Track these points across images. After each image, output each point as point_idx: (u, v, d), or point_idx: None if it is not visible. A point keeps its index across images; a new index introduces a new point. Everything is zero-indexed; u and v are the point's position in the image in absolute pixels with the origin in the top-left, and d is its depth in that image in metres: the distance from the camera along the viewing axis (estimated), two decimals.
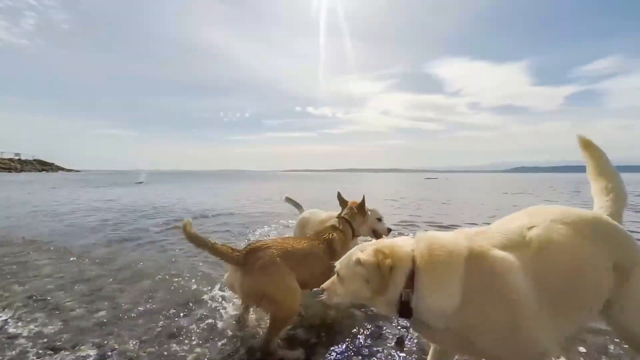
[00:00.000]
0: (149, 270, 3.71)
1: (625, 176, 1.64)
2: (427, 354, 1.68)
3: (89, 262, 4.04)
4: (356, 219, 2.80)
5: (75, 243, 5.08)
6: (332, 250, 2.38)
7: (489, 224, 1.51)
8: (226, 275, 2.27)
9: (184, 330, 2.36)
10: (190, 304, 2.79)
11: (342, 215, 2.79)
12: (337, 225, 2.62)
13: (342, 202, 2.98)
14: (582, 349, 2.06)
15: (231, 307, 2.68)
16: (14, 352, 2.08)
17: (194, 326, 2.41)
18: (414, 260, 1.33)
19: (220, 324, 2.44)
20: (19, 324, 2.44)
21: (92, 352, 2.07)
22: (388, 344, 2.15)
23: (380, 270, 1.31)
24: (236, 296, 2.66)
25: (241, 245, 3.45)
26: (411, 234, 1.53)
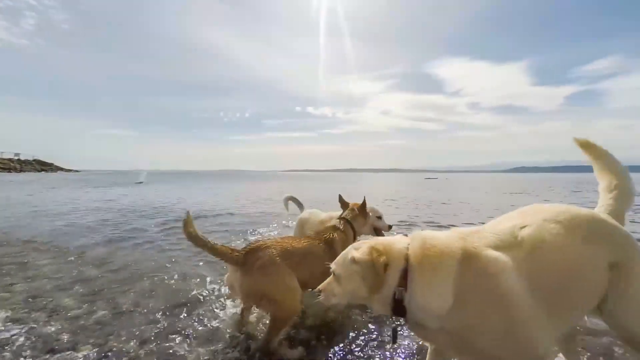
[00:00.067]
0: (149, 270, 3.71)
1: None
2: (426, 354, 1.68)
3: (88, 262, 4.04)
4: (358, 220, 2.80)
5: (75, 243, 5.08)
6: (333, 251, 2.38)
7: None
8: (226, 275, 2.27)
9: (184, 330, 2.36)
10: (190, 304, 2.79)
11: (343, 216, 2.79)
12: (338, 225, 2.63)
13: (343, 204, 2.98)
14: (585, 351, 2.05)
15: (231, 307, 2.69)
16: (13, 352, 2.08)
17: (194, 326, 2.42)
18: (407, 259, 1.33)
19: (220, 324, 2.44)
20: (19, 324, 2.44)
21: (92, 352, 2.07)
22: (387, 345, 2.15)
23: (375, 268, 1.31)
24: (236, 296, 2.66)
25: (241, 245, 3.46)
26: (408, 234, 1.53)
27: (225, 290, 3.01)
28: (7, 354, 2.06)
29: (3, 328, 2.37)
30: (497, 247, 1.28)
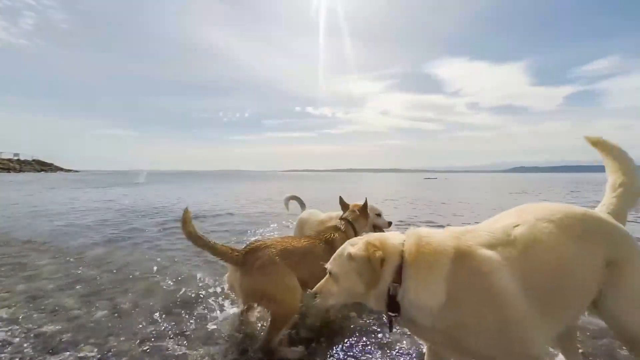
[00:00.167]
0: (148, 271, 3.71)
1: None
2: (425, 354, 1.68)
3: (88, 263, 4.04)
4: (359, 221, 2.81)
5: (75, 243, 5.08)
6: (334, 251, 2.38)
7: None
8: (226, 275, 2.27)
9: (184, 330, 2.36)
10: (190, 304, 2.79)
11: (344, 216, 2.80)
12: (340, 226, 2.63)
13: (344, 205, 2.99)
14: (585, 351, 2.05)
15: (230, 308, 2.69)
16: (14, 352, 2.08)
17: (194, 326, 2.42)
18: (402, 255, 1.33)
19: (219, 324, 2.44)
20: (19, 324, 2.44)
21: (92, 352, 2.08)
22: (387, 346, 2.16)
23: (371, 263, 1.31)
24: (237, 296, 2.67)
25: (241, 245, 3.46)
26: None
27: (224, 290, 3.01)
28: (7, 354, 2.06)
29: (3, 328, 2.37)
30: (490, 246, 1.28)
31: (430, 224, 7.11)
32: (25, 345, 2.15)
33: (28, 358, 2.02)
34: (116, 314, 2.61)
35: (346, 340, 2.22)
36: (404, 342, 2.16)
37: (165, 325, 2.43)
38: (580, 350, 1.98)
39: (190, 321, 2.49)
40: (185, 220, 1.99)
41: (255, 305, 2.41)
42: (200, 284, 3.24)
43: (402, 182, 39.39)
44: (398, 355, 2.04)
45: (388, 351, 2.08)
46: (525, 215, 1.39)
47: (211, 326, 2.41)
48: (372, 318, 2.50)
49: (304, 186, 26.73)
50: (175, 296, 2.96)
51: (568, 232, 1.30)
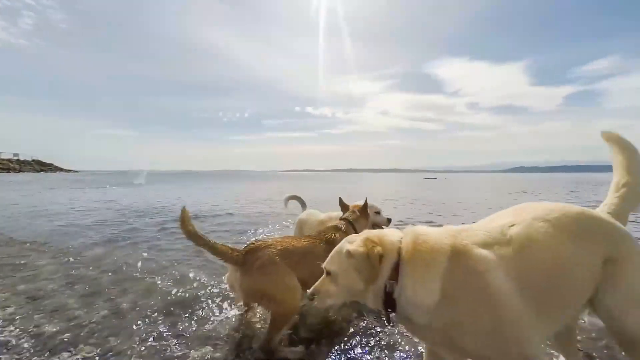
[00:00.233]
0: (148, 271, 3.71)
1: None
2: (423, 355, 1.68)
3: (87, 263, 4.04)
4: (359, 222, 2.81)
5: (74, 243, 5.08)
6: None
7: None
8: (226, 274, 2.27)
9: (184, 330, 2.36)
10: (189, 304, 2.79)
11: (345, 217, 2.81)
12: (340, 226, 2.63)
13: (344, 206, 2.99)
14: (585, 352, 2.05)
15: (229, 308, 2.69)
16: (14, 352, 2.08)
17: (194, 326, 2.42)
18: (399, 252, 1.34)
19: (219, 324, 2.44)
20: (19, 324, 2.44)
21: (92, 352, 2.08)
22: (387, 347, 2.16)
23: (370, 259, 1.31)
24: (237, 295, 2.67)
25: (240, 245, 3.45)
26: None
27: (223, 290, 3.01)
28: (7, 354, 2.06)
29: (3, 328, 2.37)
30: (486, 245, 1.28)
31: (429, 224, 7.11)
32: (25, 345, 2.15)
33: (28, 358, 2.02)
34: (116, 314, 2.61)
35: (346, 340, 2.22)
36: (405, 342, 2.16)
37: (165, 325, 2.43)
38: (580, 351, 1.99)
39: (190, 321, 2.49)
40: (184, 219, 1.99)
41: (256, 305, 2.41)
42: (200, 284, 3.24)
43: (402, 182, 39.40)
44: (398, 356, 2.04)
45: (388, 352, 2.07)
46: (521, 214, 1.38)
47: (211, 326, 2.41)
48: (373, 319, 2.50)
49: (304, 186, 26.73)
50: (175, 296, 2.96)
51: (564, 232, 1.30)
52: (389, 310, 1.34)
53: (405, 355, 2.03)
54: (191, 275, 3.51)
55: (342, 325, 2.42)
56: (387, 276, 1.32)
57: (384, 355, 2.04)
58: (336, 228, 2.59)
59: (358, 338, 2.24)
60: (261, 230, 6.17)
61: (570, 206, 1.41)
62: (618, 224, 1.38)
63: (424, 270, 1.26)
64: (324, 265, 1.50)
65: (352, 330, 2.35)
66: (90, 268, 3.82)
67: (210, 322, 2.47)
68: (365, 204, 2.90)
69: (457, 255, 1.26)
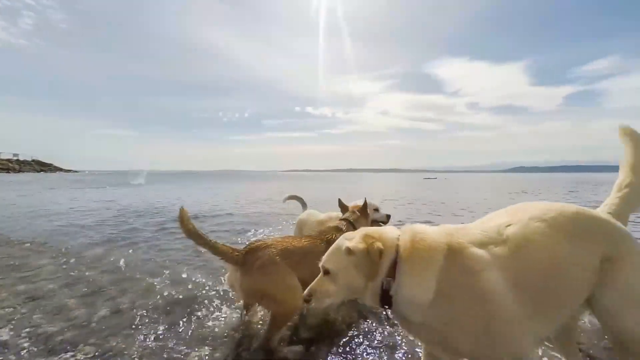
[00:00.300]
0: (147, 271, 3.71)
1: None
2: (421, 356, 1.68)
3: (88, 263, 4.03)
4: (360, 222, 2.82)
5: (74, 243, 5.08)
6: None
7: None
8: (227, 274, 2.27)
9: (184, 329, 2.36)
10: (189, 304, 2.79)
11: (345, 217, 2.81)
12: (341, 226, 2.64)
13: (343, 207, 2.99)
14: (586, 353, 2.04)
15: (231, 307, 2.69)
16: (14, 352, 2.08)
17: (194, 326, 2.42)
18: (397, 250, 1.34)
19: (218, 324, 2.44)
20: (19, 324, 2.44)
21: (93, 352, 2.07)
22: (388, 348, 2.16)
23: (370, 255, 1.31)
24: (236, 295, 2.67)
25: (240, 245, 3.45)
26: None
27: (223, 290, 3.01)
28: (7, 354, 2.06)
29: (3, 328, 2.37)
30: (481, 245, 1.28)
31: (429, 224, 7.10)
32: (25, 345, 2.15)
33: (28, 358, 2.02)
34: (116, 314, 2.61)
35: (347, 341, 2.21)
36: (405, 344, 2.16)
37: (164, 325, 2.43)
38: (580, 351, 1.98)
39: (190, 321, 2.49)
40: (183, 218, 1.99)
41: (256, 305, 2.41)
42: (200, 284, 3.23)
43: (402, 182, 39.40)
44: (399, 357, 2.04)
45: (389, 353, 2.07)
46: (518, 214, 1.38)
47: (211, 326, 2.41)
48: (374, 319, 2.50)
49: (304, 186, 26.74)
50: (175, 296, 2.96)
51: (561, 231, 1.29)
52: (385, 307, 1.34)
53: (405, 357, 2.03)
54: (191, 275, 3.51)
55: (342, 326, 2.42)
56: (385, 273, 1.32)
57: (384, 356, 2.04)
58: (337, 228, 2.59)
59: (358, 339, 2.24)
60: (261, 231, 6.16)
61: (567, 205, 1.40)
62: (617, 223, 1.37)
63: (421, 268, 1.26)
64: (321, 264, 1.47)
65: (352, 330, 2.35)
66: (90, 268, 3.81)
67: (209, 322, 2.47)
68: (365, 204, 2.91)
69: (453, 254, 1.26)
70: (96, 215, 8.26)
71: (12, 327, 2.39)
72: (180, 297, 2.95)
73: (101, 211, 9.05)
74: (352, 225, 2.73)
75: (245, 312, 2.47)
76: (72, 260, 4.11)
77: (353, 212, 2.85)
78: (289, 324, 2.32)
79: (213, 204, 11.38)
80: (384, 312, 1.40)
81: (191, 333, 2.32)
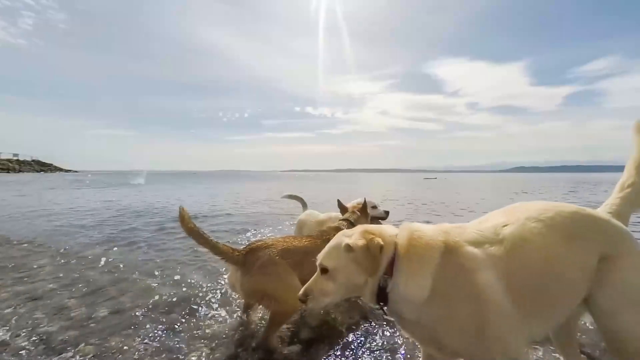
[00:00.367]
0: (148, 270, 3.71)
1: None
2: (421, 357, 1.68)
3: (87, 263, 4.03)
4: (360, 222, 2.82)
5: (74, 243, 5.07)
6: None
7: None
8: (227, 274, 2.28)
9: (184, 329, 2.36)
10: (189, 304, 2.78)
11: (346, 218, 2.81)
12: (342, 227, 2.64)
13: (342, 208, 2.99)
14: (588, 352, 2.03)
15: (231, 307, 2.69)
16: (14, 352, 2.08)
17: (194, 325, 2.42)
18: (395, 247, 1.34)
19: (220, 324, 2.44)
20: (19, 324, 2.44)
21: (93, 352, 2.07)
22: (389, 349, 2.16)
23: (371, 250, 1.30)
24: (237, 295, 2.67)
25: (240, 245, 3.45)
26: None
27: (223, 290, 3.01)
28: (8, 354, 2.06)
29: (3, 328, 2.37)
30: (477, 244, 1.28)
31: (428, 224, 7.10)
32: (25, 345, 2.15)
33: (28, 358, 2.02)
34: (116, 314, 2.61)
35: (347, 341, 2.21)
36: (406, 345, 2.16)
37: (164, 325, 2.43)
38: (581, 353, 1.98)
39: (190, 321, 2.49)
40: (184, 217, 2.00)
41: (256, 305, 2.41)
42: (199, 284, 3.23)
43: (402, 182, 39.41)
44: (399, 358, 2.04)
45: (389, 354, 2.07)
46: (515, 214, 1.38)
47: (210, 326, 2.41)
48: (374, 320, 2.50)
49: (304, 186, 26.73)
50: (174, 296, 2.96)
51: (558, 231, 1.29)
52: (381, 304, 1.34)
53: (405, 358, 2.03)
54: (190, 275, 3.51)
55: (342, 326, 2.42)
56: (382, 270, 1.32)
57: (384, 354, 2.04)
58: (337, 229, 2.60)
59: (358, 339, 2.24)
60: (261, 231, 6.16)
61: (565, 205, 1.39)
62: (616, 222, 1.36)
63: (418, 266, 1.27)
64: (318, 262, 1.43)
65: (352, 331, 2.35)
66: (90, 268, 3.81)
67: (209, 322, 2.47)
68: (365, 205, 2.91)
69: (449, 252, 1.26)
70: (96, 215, 8.25)
71: (12, 327, 2.39)
72: (180, 296, 2.94)
73: (101, 211, 9.04)
74: (353, 226, 2.73)
75: (245, 312, 2.47)
76: (72, 261, 4.11)
77: (353, 212, 2.86)
78: (289, 324, 2.32)
79: (213, 204, 11.38)
80: (381, 310, 1.39)
81: (191, 333, 2.32)
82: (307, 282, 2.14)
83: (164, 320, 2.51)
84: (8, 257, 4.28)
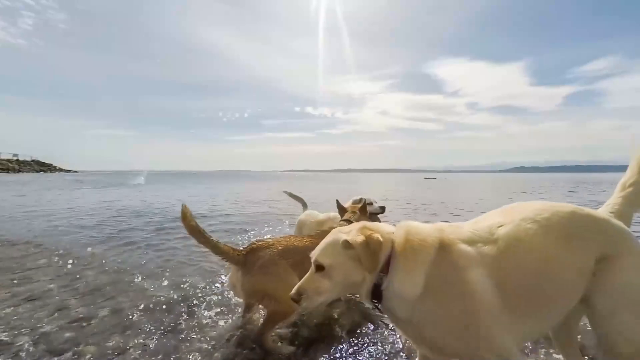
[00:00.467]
0: (147, 271, 3.71)
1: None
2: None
3: (87, 263, 4.03)
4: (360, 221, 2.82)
5: (74, 244, 5.07)
6: None
7: None
8: (228, 274, 2.28)
9: (184, 329, 2.36)
10: (190, 304, 2.79)
11: (346, 218, 2.81)
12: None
13: (341, 209, 3.00)
14: (588, 352, 2.02)
15: (231, 307, 2.69)
16: (14, 352, 2.07)
17: (193, 325, 2.42)
18: (392, 245, 1.34)
19: (220, 323, 2.44)
20: (19, 324, 2.43)
21: (93, 352, 2.07)
22: (390, 352, 2.16)
23: (370, 246, 1.29)
24: (237, 295, 2.66)
25: (240, 245, 3.44)
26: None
27: (223, 290, 3.01)
28: (8, 354, 2.06)
29: (3, 328, 2.37)
30: (470, 242, 1.28)
31: (428, 224, 7.11)
32: (25, 345, 2.15)
33: (28, 358, 2.02)
34: (116, 314, 2.61)
35: (347, 342, 2.21)
36: (405, 347, 2.15)
37: (164, 324, 2.43)
38: (582, 355, 1.97)
39: (189, 321, 2.49)
40: (186, 215, 2.00)
41: (257, 305, 2.41)
42: (199, 284, 3.23)
43: (402, 182, 39.41)
44: (398, 356, 2.04)
45: (390, 354, 2.07)
46: (512, 214, 1.37)
47: (210, 326, 2.41)
48: (374, 321, 2.50)
49: (304, 186, 26.72)
50: (174, 296, 2.96)
51: (553, 232, 1.27)
52: (375, 302, 1.34)
53: (404, 356, 2.03)
54: (190, 275, 3.51)
55: (342, 327, 2.42)
56: (381, 267, 1.31)
57: (384, 354, 2.04)
58: None
59: (359, 340, 2.24)
60: (261, 231, 6.16)
61: (562, 205, 1.38)
62: (616, 222, 1.35)
63: (413, 263, 1.27)
64: (313, 259, 1.38)
65: (353, 331, 2.35)
66: (90, 268, 3.82)
67: (209, 322, 2.47)
68: (364, 205, 2.91)
69: (443, 249, 1.26)
70: (96, 215, 8.25)
71: (12, 326, 2.39)
72: (180, 297, 2.94)
73: (100, 211, 9.04)
74: None
75: (245, 312, 2.47)
76: (72, 260, 4.11)
77: (354, 212, 2.85)
78: (290, 324, 2.32)
79: (212, 204, 11.38)
80: (375, 308, 1.39)
81: (190, 333, 2.31)
82: None
83: (164, 320, 2.51)
84: (8, 257, 4.28)
